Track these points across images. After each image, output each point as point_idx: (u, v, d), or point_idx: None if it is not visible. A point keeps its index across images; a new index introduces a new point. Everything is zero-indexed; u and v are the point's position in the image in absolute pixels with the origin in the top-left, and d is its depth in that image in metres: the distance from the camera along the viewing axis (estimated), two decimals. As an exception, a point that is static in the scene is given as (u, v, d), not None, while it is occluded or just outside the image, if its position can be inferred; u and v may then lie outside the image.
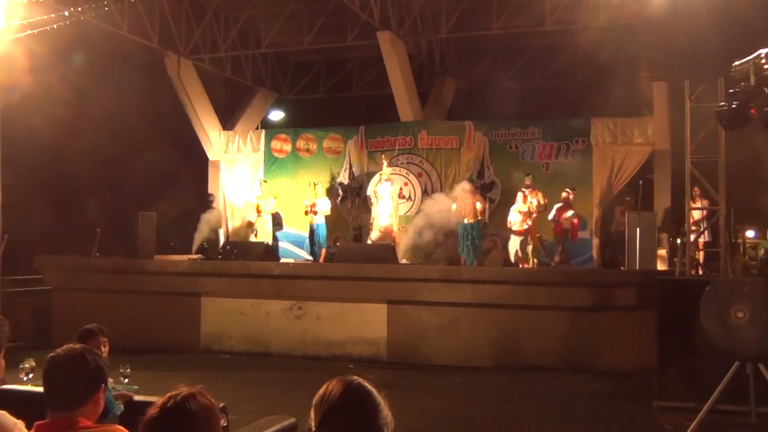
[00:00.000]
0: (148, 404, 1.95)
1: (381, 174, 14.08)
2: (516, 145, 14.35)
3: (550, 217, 12.88)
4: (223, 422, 2.04)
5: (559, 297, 10.20)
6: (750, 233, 22.07)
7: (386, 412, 1.88)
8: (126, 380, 4.51)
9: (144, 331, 11.25)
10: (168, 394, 1.97)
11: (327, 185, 15.00)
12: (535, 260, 12.76)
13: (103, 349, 4.25)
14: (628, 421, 7.56)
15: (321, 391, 1.89)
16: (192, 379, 9.04)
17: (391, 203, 13.56)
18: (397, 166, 14.65)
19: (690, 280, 8.68)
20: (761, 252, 18.39)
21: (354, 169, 15.34)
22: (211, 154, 16.69)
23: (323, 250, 13.94)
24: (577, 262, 13.43)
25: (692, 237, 10.03)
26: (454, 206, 13.01)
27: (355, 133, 15.46)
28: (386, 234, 13.39)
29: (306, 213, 14.03)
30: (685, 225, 9.59)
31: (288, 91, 19.35)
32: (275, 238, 14.56)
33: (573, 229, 12.91)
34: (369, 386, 1.90)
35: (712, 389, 6.55)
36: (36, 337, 11.22)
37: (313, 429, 1.84)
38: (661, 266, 11.85)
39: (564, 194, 12.89)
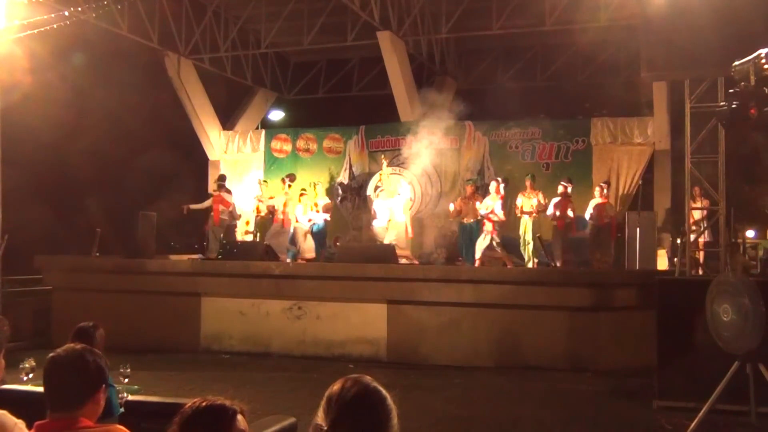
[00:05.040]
0: (148, 404, 1.95)
1: (381, 174, 14.08)
2: (516, 145, 14.35)
3: (549, 212, 12.81)
4: None
5: (559, 297, 10.20)
6: (750, 233, 22.07)
7: (396, 420, 1.87)
8: (126, 380, 4.51)
9: (144, 331, 11.25)
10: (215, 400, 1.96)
11: (327, 185, 15.00)
12: (536, 260, 12.74)
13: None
14: (628, 421, 7.56)
15: (335, 387, 1.87)
16: (192, 379, 9.09)
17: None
18: (397, 166, 14.65)
19: (690, 280, 8.69)
20: (761, 252, 18.40)
21: (354, 169, 15.34)
22: (211, 154, 16.69)
23: (323, 251, 13.94)
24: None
25: (692, 237, 10.04)
26: (452, 206, 13.00)
27: (355, 133, 15.47)
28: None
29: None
30: (685, 225, 9.60)
31: (288, 91, 19.35)
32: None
33: (572, 224, 12.83)
34: (384, 391, 1.89)
35: (712, 389, 6.55)
36: (36, 337, 11.22)
37: (321, 424, 1.83)
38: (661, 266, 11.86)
39: (561, 188, 12.81)
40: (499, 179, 13.05)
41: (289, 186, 14.25)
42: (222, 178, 14.39)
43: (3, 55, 9.99)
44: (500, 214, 12.60)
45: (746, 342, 6.41)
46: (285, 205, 14.03)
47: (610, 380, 9.25)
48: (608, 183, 13.16)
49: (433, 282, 10.74)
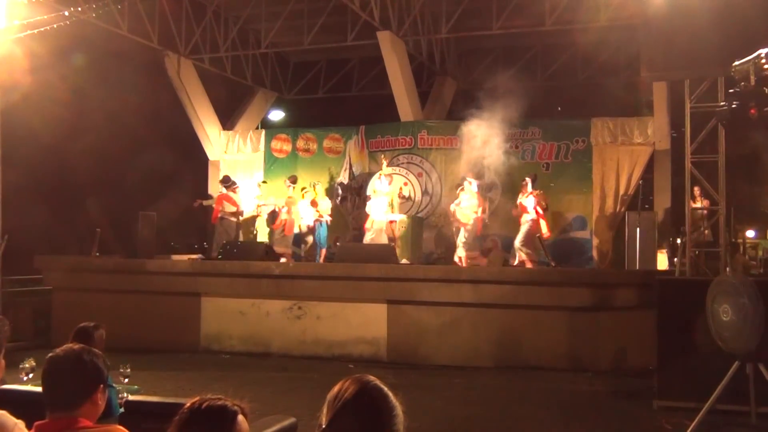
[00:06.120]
0: (148, 404, 1.94)
1: (381, 174, 14.08)
2: (516, 145, 14.34)
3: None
4: None
5: (559, 297, 10.20)
6: (750, 233, 22.13)
7: (401, 417, 1.86)
8: (126, 380, 4.51)
9: (144, 331, 11.24)
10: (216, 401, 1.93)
11: (327, 185, 15.00)
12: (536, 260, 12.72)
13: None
14: (628, 421, 7.56)
15: (335, 388, 1.86)
16: (192, 379, 9.08)
17: (387, 200, 13.24)
18: (397, 166, 14.65)
19: (690, 280, 8.69)
20: (761, 252, 18.43)
21: (354, 169, 15.34)
22: (211, 154, 16.69)
23: (323, 250, 13.93)
24: (577, 262, 13.42)
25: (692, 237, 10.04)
26: (453, 206, 12.99)
27: (355, 133, 15.46)
28: (380, 232, 13.20)
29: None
30: (685, 225, 9.60)
31: (288, 91, 19.35)
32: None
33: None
34: (385, 389, 1.88)
35: (712, 389, 6.55)
36: (36, 337, 11.23)
37: (323, 426, 1.83)
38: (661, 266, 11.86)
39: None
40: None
41: (293, 188, 14.21)
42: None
43: (3, 55, 9.99)
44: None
45: (746, 342, 6.41)
46: (288, 209, 13.95)
47: (610, 380, 9.25)
48: (534, 176, 12.69)
49: (433, 282, 10.74)
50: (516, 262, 12.22)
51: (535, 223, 12.26)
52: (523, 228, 12.27)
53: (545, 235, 12.37)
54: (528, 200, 12.35)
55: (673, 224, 13.16)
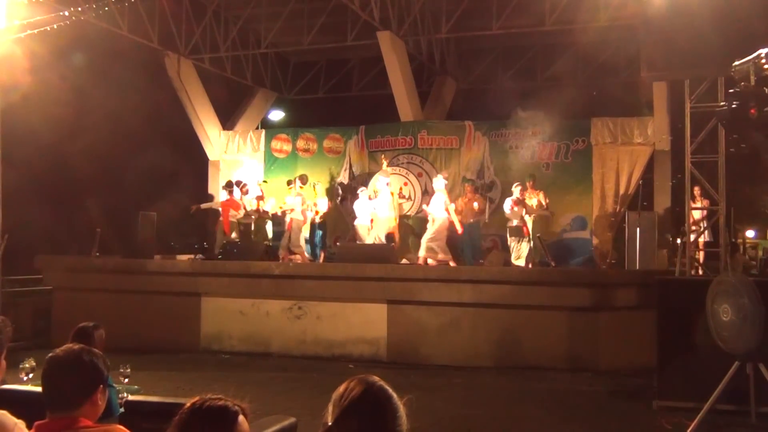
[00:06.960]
0: (148, 404, 1.93)
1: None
2: (516, 145, 14.33)
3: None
4: None
5: (559, 297, 10.20)
6: (750, 233, 22.13)
7: (404, 418, 1.88)
8: (126, 380, 4.51)
9: (144, 331, 11.26)
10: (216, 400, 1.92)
11: (327, 185, 15.00)
12: (535, 260, 12.73)
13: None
14: (628, 421, 7.56)
15: (341, 388, 1.89)
16: (192, 379, 9.08)
17: (389, 198, 13.23)
18: (397, 166, 14.64)
19: (690, 280, 8.69)
20: (761, 252, 18.42)
21: (354, 169, 15.33)
22: (211, 154, 16.69)
23: (323, 251, 13.93)
24: (576, 262, 13.42)
25: (692, 237, 10.04)
26: (452, 206, 12.99)
27: (355, 133, 15.46)
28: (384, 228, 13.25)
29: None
30: (685, 225, 9.61)
31: (288, 91, 19.34)
32: (276, 238, 14.56)
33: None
34: (390, 390, 1.90)
35: (712, 389, 6.56)
36: (36, 337, 11.24)
37: (329, 424, 1.84)
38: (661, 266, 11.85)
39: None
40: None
41: (301, 187, 14.23)
42: (229, 184, 14.44)
43: (3, 55, 9.99)
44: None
45: (746, 342, 6.41)
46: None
47: (610, 380, 9.26)
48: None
49: (433, 282, 10.74)
50: (420, 259, 12.39)
51: (444, 221, 12.41)
52: (435, 226, 12.36)
53: (458, 232, 12.59)
54: (437, 198, 12.52)
55: (674, 224, 13.16)
